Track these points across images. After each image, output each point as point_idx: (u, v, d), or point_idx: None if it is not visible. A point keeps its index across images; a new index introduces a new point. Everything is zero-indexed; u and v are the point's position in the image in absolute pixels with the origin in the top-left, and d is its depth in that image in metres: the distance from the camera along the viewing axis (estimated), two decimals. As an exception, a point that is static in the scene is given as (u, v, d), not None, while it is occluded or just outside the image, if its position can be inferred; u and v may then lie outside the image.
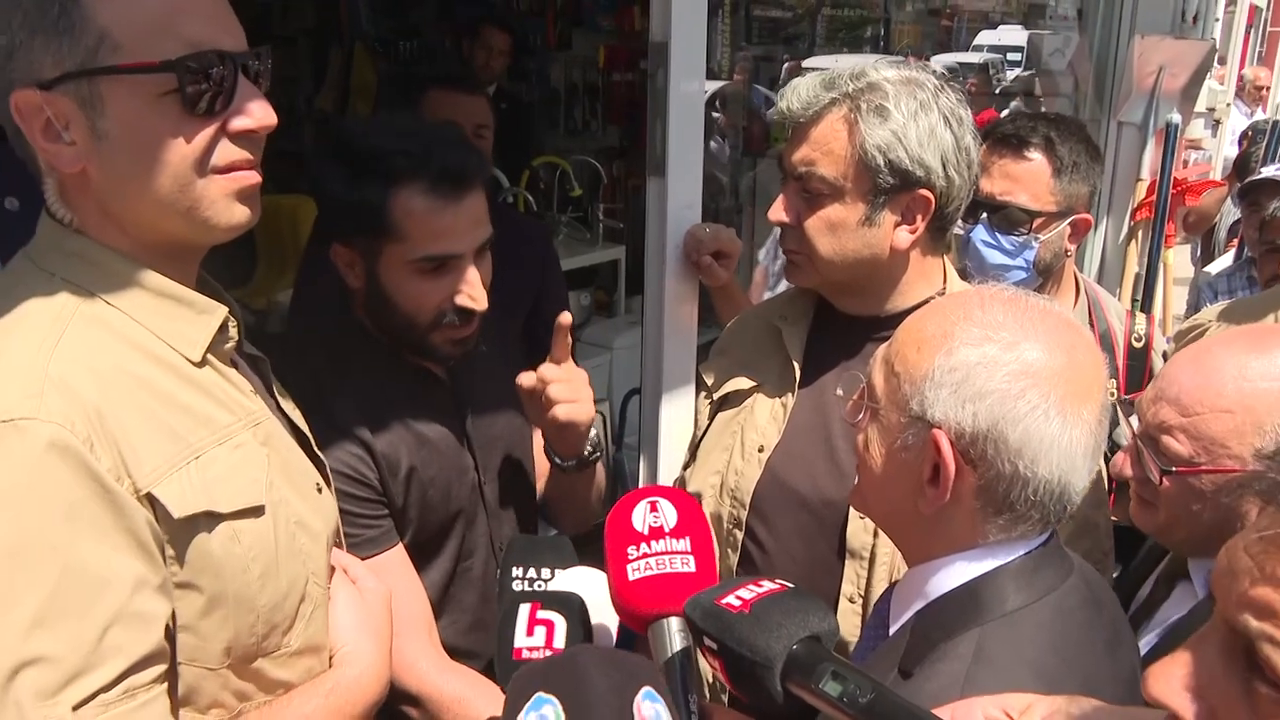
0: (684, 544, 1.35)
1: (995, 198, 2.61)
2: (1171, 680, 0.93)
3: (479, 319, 2.00)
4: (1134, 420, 1.81)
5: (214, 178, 1.33)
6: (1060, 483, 1.33)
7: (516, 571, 1.53)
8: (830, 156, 1.93)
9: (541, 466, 2.35)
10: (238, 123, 1.33)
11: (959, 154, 1.92)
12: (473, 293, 1.95)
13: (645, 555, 1.33)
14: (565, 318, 2.06)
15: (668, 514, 1.38)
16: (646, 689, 1.11)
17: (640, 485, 2.87)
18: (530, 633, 1.36)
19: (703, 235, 2.59)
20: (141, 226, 1.35)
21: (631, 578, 1.32)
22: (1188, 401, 1.65)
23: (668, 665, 1.26)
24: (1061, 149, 2.59)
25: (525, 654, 1.34)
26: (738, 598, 1.23)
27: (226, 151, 1.34)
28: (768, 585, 1.25)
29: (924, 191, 1.92)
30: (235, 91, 1.33)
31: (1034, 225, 2.60)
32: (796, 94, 1.97)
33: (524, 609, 1.38)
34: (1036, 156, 2.60)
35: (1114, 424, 2.29)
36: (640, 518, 1.38)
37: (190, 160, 1.31)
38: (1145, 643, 1.78)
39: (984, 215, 2.63)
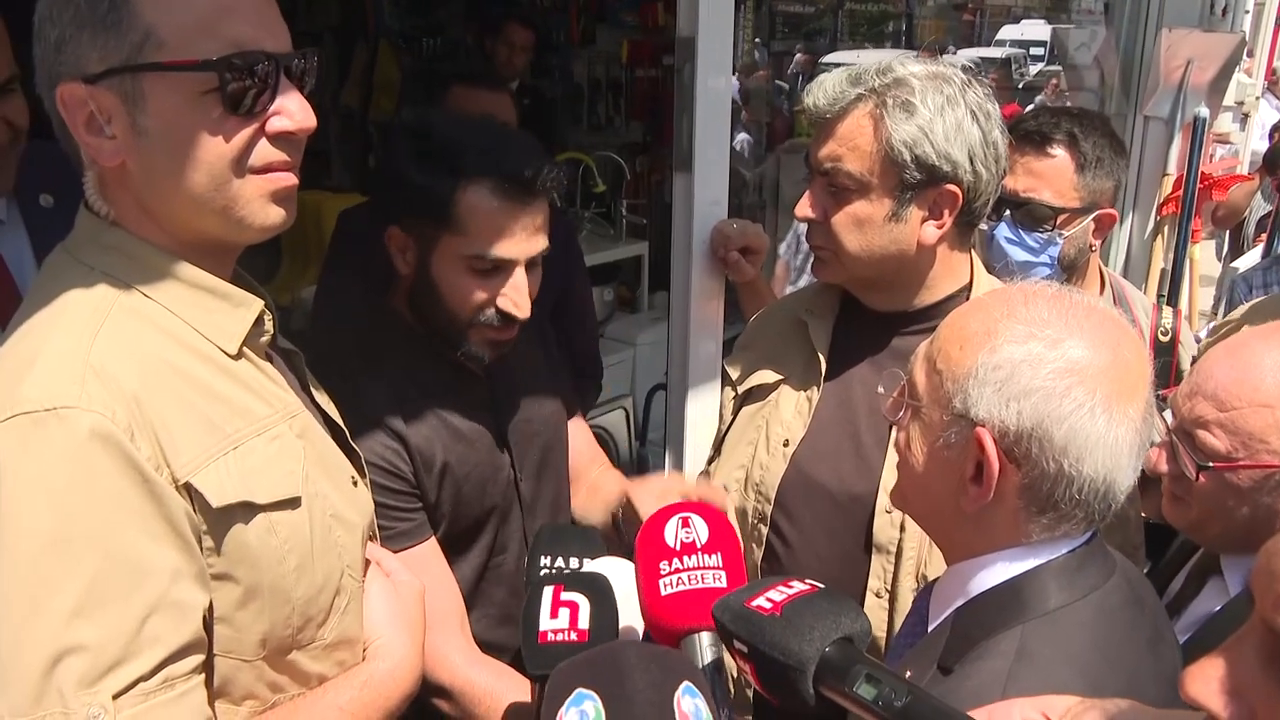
0: (716, 559, 1.35)
1: (1019, 194, 2.60)
2: (1210, 681, 0.92)
3: (518, 326, 1.99)
4: (1167, 416, 1.80)
5: (251, 178, 1.34)
6: (1105, 481, 1.32)
7: (544, 561, 1.54)
8: (856, 152, 1.92)
9: (575, 467, 2.36)
10: (276, 124, 1.33)
11: (986, 148, 1.91)
12: (518, 299, 1.95)
13: (678, 570, 1.34)
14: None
15: (700, 530, 1.38)
16: (686, 684, 1.11)
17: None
18: (554, 615, 1.36)
19: (730, 231, 2.58)
20: (177, 222, 1.35)
21: (664, 593, 1.33)
22: (1225, 396, 1.63)
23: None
24: (1085, 144, 2.58)
25: (550, 637, 1.35)
26: (768, 599, 1.22)
27: (265, 152, 1.34)
28: (798, 586, 1.24)
29: (951, 186, 1.91)
30: (276, 92, 1.33)
31: (1058, 221, 2.59)
32: (823, 90, 1.96)
33: (548, 591, 1.39)
34: (1060, 153, 2.59)
35: None
36: (672, 533, 1.38)
37: (228, 159, 1.31)
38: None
39: (1007, 212, 2.62)
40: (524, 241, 1.92)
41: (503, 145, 1.92)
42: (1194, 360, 2.12)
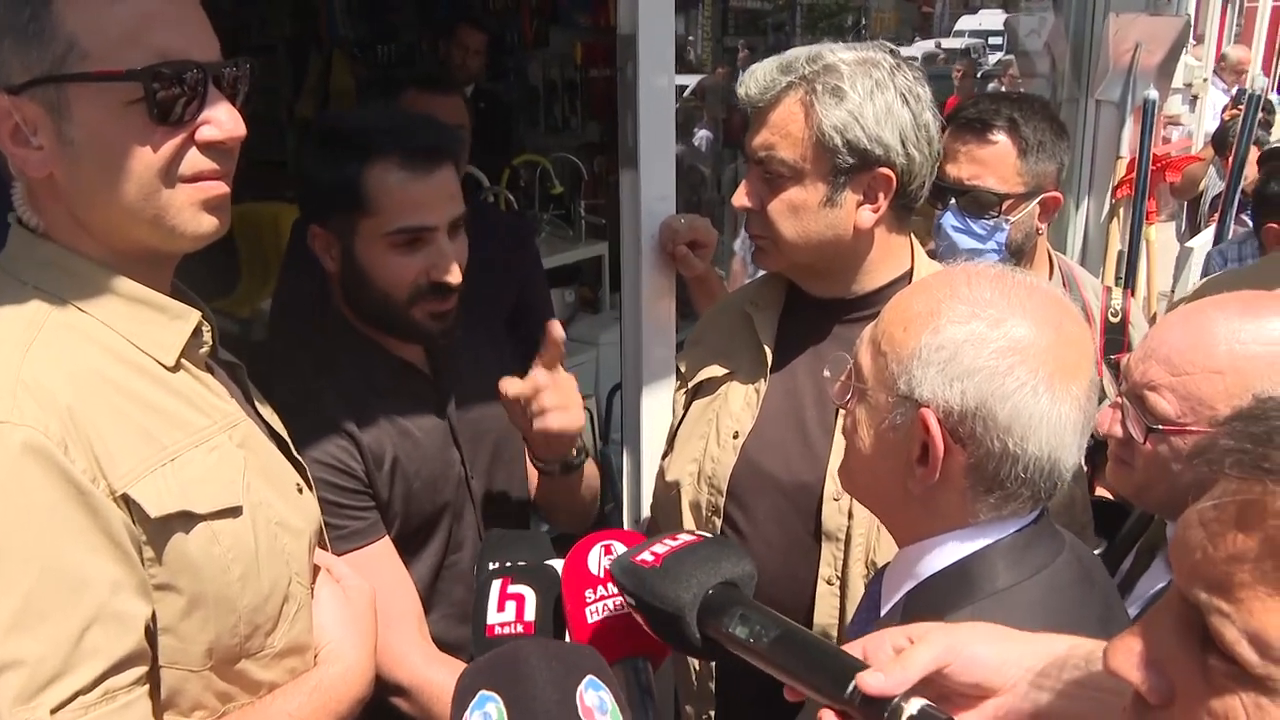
0: None
1: (963, 182, 2.62)
2: (1130, 653, 0.92)
3: (456, 296, 2.01)
4: (1117, 384, 1.81)
5: (181, 187, 1.33)
6: (1050, 459, 1.33)
7: (492, 566, 1.54)
8: (789, 139, 1.93)
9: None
10: (206, 133, 1.33)
11: (918, 131, 1.92)
12: (447, 265, 1.97)
13: (603, 598, 1.34)
14: (557, 329, 2.05)
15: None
16: (589, 678, 1.13)
17: (624, 479, 2.87)
18: (501, 608, 1.38)
19: (678, 226, 2.59)
20: (110, 233, 1.35)
21: (590, 620, 1.33)
22: (1178, 361, 1.63)
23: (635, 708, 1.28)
24: (1026, 129, 2.60)
25: (497, 630, 1.37)
26: (652, 553, 1.27)
27: (194, 161, 1.34)
28: (684, 539, 1.28)
29: (884, 170, 1.92)
30: (204, 102, 1.32)
31: (1003, 207, 2.61)
32: (755, 79, 1.97)
33: (495, 584, 1.41)
34: (1001, 139, 2.61)
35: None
36: (595, 561, 1.39)
37: (155, 169, 1.31)
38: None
39: (952, 200, 2.64)
40: (439, 207, 1.96)
41: (402, 123, 1.98)
42: None
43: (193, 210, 1.35)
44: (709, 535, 1.29)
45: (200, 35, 1.33)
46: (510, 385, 2.01)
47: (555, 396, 2.01)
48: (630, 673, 1.29)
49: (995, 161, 2.61)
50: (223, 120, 1.34)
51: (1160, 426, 1.65)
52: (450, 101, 3.16)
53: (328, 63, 7.95)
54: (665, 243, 2.59)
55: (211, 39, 1.35)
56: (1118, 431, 1.74)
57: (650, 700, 1.28)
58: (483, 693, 1.11)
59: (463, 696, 1.12)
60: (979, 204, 2.61)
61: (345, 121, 2.00)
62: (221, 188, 1.37)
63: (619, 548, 1.39)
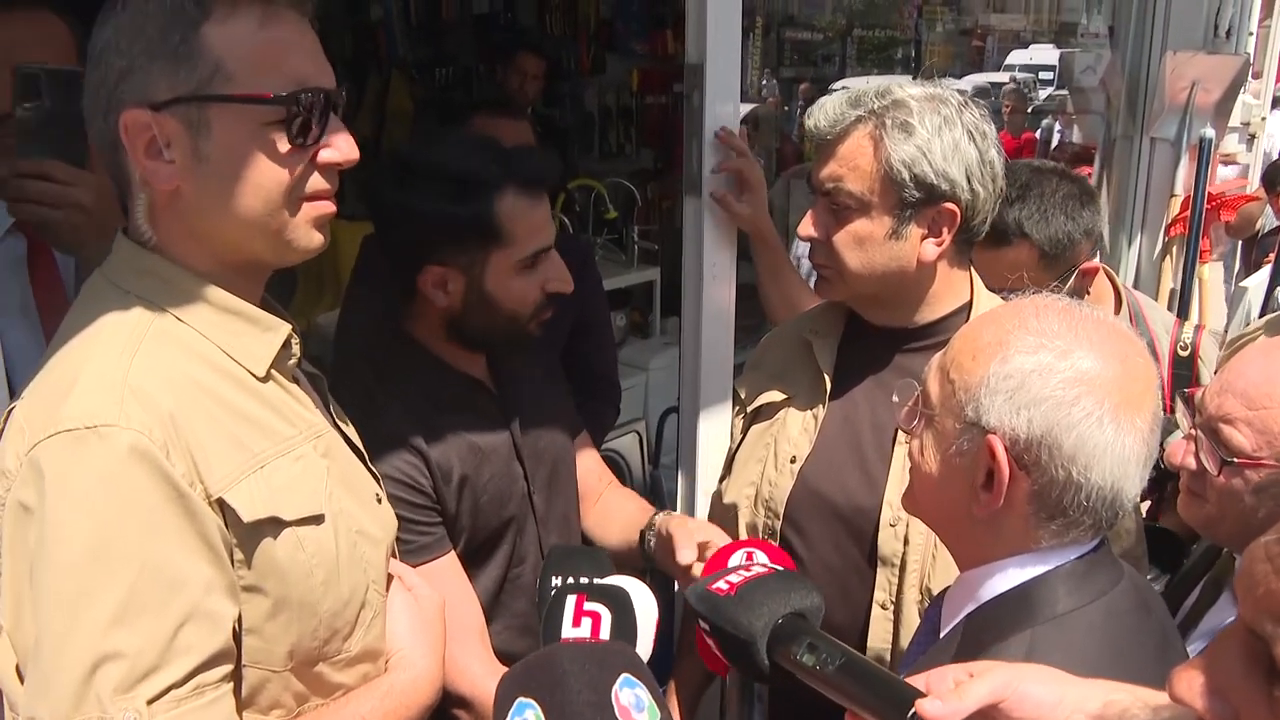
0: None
1: (996, 290, 2.56)
2: (1195, 681, 0.93)
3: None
4: (1185, 416, 1.81)
5: (301, 205, 1.40)
6: (1113, 489, 1.35)
7: (555, 581, 1.56)
8: (857, 172, 1.97)
9: (584, 485, 2.40)
10: (326, 155, 1.40)
11: (983, 167, 1.96)
12: (564, 276, 2.08)
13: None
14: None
15: (762, 560, 1.50)
16: (624, 676, 1.16)
17: (678, 502, 2.89)
18: (577, 623, 1.41)
19: (733, 142, 2.58)
20: (225, 245, 1.41)
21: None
22: (1255, 395, 1.64)
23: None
24: (1039, 235, 2.54)
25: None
26: (727, 582, 1.33)
27: (314, 181, 1.41)
28: (757, 569, 1.34)
29: (949, 205, 1.95)
30: (326, 126, 1.39)
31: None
32: (824, 112, 2.01)
33: (570, 599, 1.43)
34: (1020, 245, 2.56)
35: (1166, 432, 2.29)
36: (737, 561, 1.44)
37: (285, 187, 1.37)
38: (1193, 649, 1.78)
39: None
40: (549, 226, 2.06)
41: (510, 152, 2.04)
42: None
43: (307, 227, 1.42)
44: (780, 569, 1.34)
45: (324, 63, 1.41)
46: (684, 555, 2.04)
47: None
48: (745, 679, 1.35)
49: (1021, 266, 2.56)
50: (341, 144, 1.41)
51: (1235, 460, 1.66)
52: (519, 126, 3.18)
53: (386, 84, 8.05)
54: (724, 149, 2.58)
55: (329, 67, 1.42)
56: (1191, 463, 1.75)
57: (760, 705, 1.34)
58: (520, 700, 1.14)
59: (502, 704, 1.16)
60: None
61: (454, 159, 2.01)
62: (331, 206, 1.45)
63: (760, 556, 1.43)
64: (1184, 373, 2.75)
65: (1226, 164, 5.53)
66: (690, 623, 2.01)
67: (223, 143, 1.34)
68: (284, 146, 1.36)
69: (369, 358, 2.15)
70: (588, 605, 1.43)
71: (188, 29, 1.31)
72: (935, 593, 1.87)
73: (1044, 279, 2.55)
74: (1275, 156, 6.87)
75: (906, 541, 1.98)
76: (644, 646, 1.43)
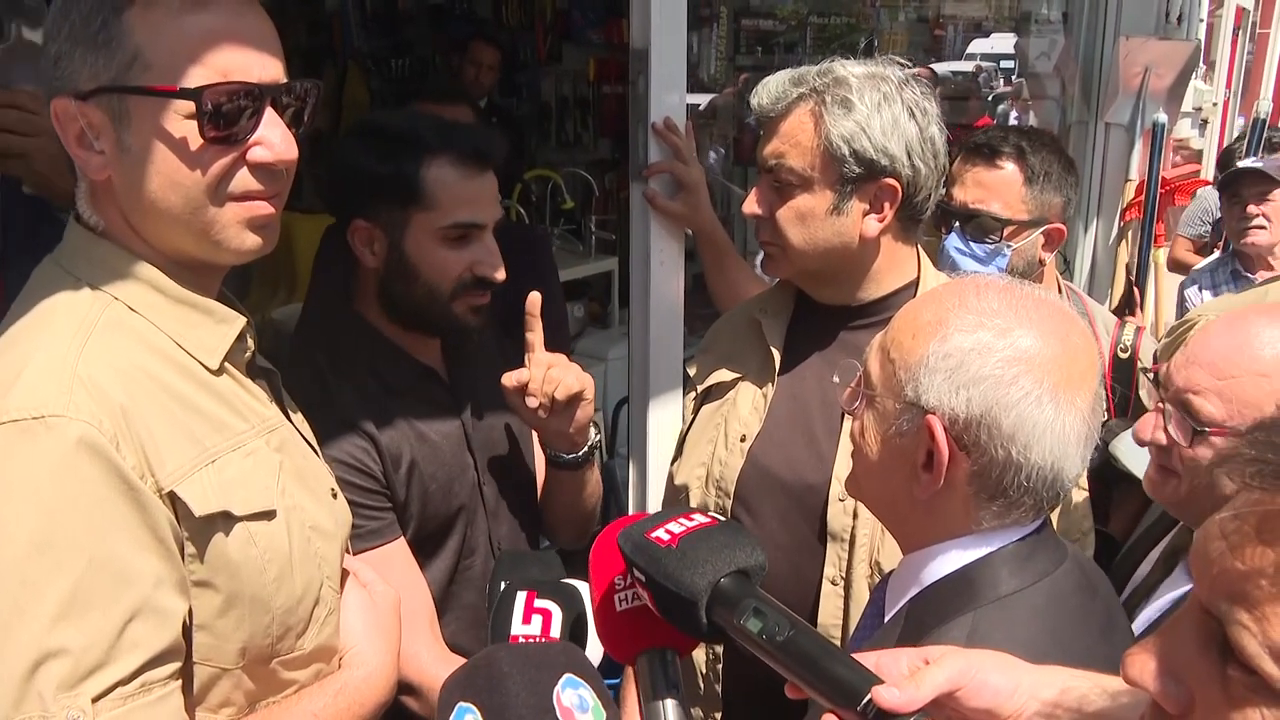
0: None
1: (968, 206, 2.68)
2: (1148, 662, 0.92)
3: (489, 293, 2.08)
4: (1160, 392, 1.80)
5: (230, 205, 1.36)
6: (1053, 469, 1.35)
7: (504, 586, 1.54)
8: (798, 148, 1.99)
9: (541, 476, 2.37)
10: (256, 154, 1.36)
11: (923, 144, 1.98)
12: (495, 262, 2.05)
13: (633, 585, 1.29)
14: (534, 298, 2.12)
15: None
16: (566, 677, 1.14)
17: (629, 490, 2.88)
18: (527, 620, 1.37)
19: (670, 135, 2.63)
20: (159, 239, 1.38)
21: (619, 608, 1.30)
22: (1222, 364, 1.64)
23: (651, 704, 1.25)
24: (1033, 159, 2.65)
25: (521, 641, 1.35)
26: (667, 531, 1.23)
27: (244, 180, 1.36)
28: (699, 519, 1.25)
29: (890, 180, 1.98)
30: (259, 123, 1.35)
31: (1005, 233, 2.66)
32: (767, 90, 2.04)
33: (520, 595, 1.40)
34: (1008, 165, 2.66)
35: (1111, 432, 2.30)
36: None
37: (204, 185, 1.33)
38: (1145, 619, 1.78)
39: (957, 223, 2.69)
40: (487, 206, 2.04)
41: (453, 125, 2.06)
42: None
43: (238, 228, 1.38)
44: (723, 519, 1.26)
45: (263, 55, 1.35)
46: (509, 378, 2.07)
47: (555, 372, 2.07)
48: (657, 663, 1.25)
49: (1001, 187, 2.66)
50: (274, 142, 1.36)
51: (1207, 429, 1.65)
52: (458, 110, 3.20)
53: (343, 75, 7.98)
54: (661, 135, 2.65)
55: (275, 60, 1.37)
56: (1161, 438, 1.74)
57: (676, 693, 1.26)
58: (460, 705, 1.12)
59: (443, 709, 1.13)
60: (982, 228, 2.66)
61: (394, 121, 2.06)
62: (267, 208, 1.39)
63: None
64: (1124, 375, 2.76)
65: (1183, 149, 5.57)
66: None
67: (143, 136, 1.31)
68: (202, 143, 1.32)
69: (324, 342, 2.14)
70: (538, 602, 1.40)
71: (110, 15, 1.28)
72: (885, 568, 1.88)
73: (1018, 209, 2.65)
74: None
75: (856, 516, 2.00)
76: (596, 645, 1.40)
